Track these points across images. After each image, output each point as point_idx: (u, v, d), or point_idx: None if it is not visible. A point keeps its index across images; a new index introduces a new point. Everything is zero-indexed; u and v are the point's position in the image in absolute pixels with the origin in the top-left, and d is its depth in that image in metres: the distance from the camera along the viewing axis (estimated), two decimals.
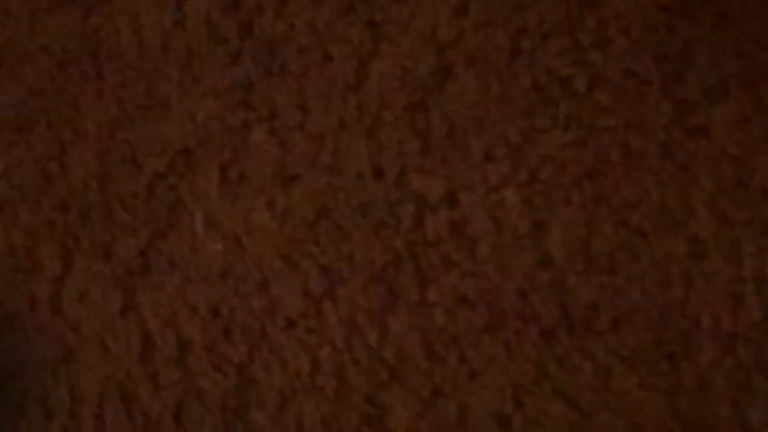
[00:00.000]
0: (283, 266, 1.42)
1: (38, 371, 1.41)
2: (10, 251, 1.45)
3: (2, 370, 1.42)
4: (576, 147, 1.40)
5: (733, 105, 1.39)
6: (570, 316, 1.35)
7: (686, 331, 1.32)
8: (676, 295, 1.33)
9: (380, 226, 1.41)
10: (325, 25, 1.50)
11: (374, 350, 1.38)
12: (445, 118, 1.44)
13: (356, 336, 1.39)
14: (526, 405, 1.33)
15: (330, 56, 1.48)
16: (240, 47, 1.50)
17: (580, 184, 1.39)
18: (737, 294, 1.32)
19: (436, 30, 1.48)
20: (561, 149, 1.40)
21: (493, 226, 1.39)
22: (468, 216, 1.40)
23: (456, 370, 1.36)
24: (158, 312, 1.42)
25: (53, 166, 1.48)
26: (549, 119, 1.42)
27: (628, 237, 1.36)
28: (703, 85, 1.40)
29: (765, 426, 1.28)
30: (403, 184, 1.42)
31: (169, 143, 1.47)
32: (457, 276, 1.38)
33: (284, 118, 1.47)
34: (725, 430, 1.29)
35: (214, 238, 1.43)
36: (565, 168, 1.40)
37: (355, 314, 1.39)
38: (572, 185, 1.39)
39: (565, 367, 1.33)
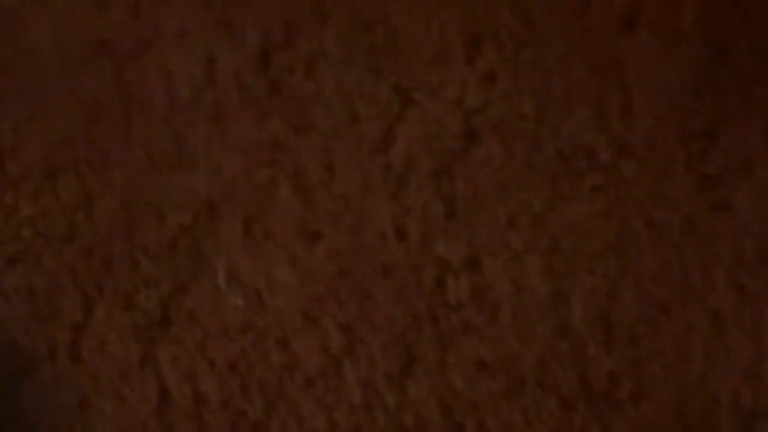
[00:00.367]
0: (303, 323, 1.42)
1: (55, 419, 1.41)
2: (31, 297, 1.45)
3: (19, 416, 1.42)
4: (599, 217, 1.41)
5: (757, 182, 1.40)
6: (589, 386, 1.35)
7: (705, 406, 1.32)
8: (695, 369, 1.33)
9: (402, 288, 1.42)
10: (353, 87, 1.51)
11: (392, 412, 1.38)
12: (470, 184, 1.45)
13: (374, 397, 1.39)
14: None
15: (358, 117, 1.50)
16: (269, 105, 1.51)
17: (602, 254, 1.40)
18: (757, 370, 1.32)
19: (464, 96, 1.49)
20: (584, 219, 1.41)
21: (515, 292, 1.40)
22: (490, 281, 1.41)
23: None
24: (176, 365, 1.43)
25: (79, 215, 1.48)
26: (573, 189, 1.43)
27: (650, 309, 1.37)
28: (727, 161, 1.42)
29: None
30: (426, 247, 1.43)
31: (195, 196, 1.48)
32: (477, 341, 1.39)
33: (310, 176, 1.48)
34: None
35: (236, 292, 1.44)
36: (588, 237, 1.41)
37: (374, 375, 1.40)
38: (595, 255, 1.40)
39: None
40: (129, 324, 1.44)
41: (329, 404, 1.39)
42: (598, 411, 1.34)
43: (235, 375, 1.42)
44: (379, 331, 1.41)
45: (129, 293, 1.45)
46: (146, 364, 1.43)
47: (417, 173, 1.47)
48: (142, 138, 1.51)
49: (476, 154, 1.46)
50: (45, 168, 1.51)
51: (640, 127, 1.44)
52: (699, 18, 1.47)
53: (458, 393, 1.37)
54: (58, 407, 1.42)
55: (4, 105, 1.54)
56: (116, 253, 1.46)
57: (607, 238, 1.40)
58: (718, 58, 1.45)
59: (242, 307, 1.43)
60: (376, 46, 1.52)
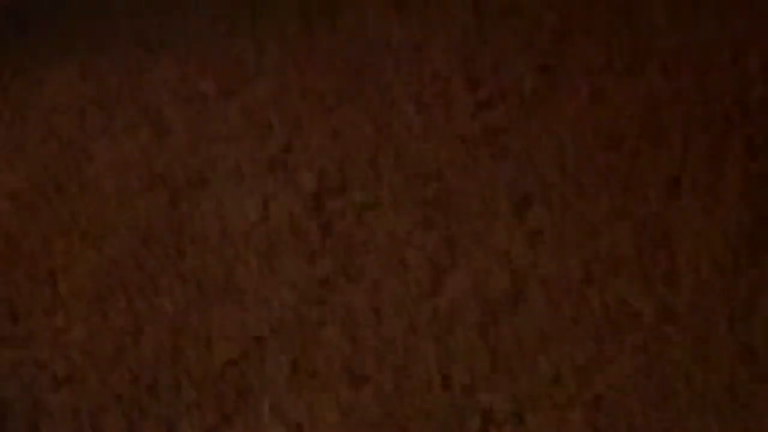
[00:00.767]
0: None
1: None
2: (74, 419, 1.44)
3: None
4: (641, 376, 1.44)
5: None
6: None
7: None
8: None
9: None
10: (404, 234, 1.54)
11: None
12: (515, 336, 1.48)
13: None
14: None
15: (407, 264, 1.53)
16: (320, 245, 1.54)
17: (645, 412, 1.42)
18: None
19: (511, 251, 1.53)
20: (627, 376, 1.44)
21: None
22: None
23: None
24: None
25: (127, 339, 1.49)
26: (616, 346, 1.46)
27: None
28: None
29: None
30: (470, 396, 1.45)
31: (243, 329, 1.49)
32: None
33: (358, 317, 1.50)
34: None
35: (279, 427, 1.44)
36: (630, 395, 1.43)
37: None
38: (637, 412, 1.42)
39: None
40: None
41: None
42: None
43: None
44: None
45: (172, 420, 1.44)
46: None
47: (463, 322, 1.49)
48: (193, 267, 1.53)
49: (522, 307, 1.49)
50: (95, 290, 1.52)
51: (684, 287, 1.48)
52: (741, 181, 1.53)
53: None
54: None
55: (58, 226, 1.55)
56: (162, 380, 1.47)
57: (649, 396, 1.42)
58: (758, 221, 1.50)
59: None
60: (428, 199, 1.56)
